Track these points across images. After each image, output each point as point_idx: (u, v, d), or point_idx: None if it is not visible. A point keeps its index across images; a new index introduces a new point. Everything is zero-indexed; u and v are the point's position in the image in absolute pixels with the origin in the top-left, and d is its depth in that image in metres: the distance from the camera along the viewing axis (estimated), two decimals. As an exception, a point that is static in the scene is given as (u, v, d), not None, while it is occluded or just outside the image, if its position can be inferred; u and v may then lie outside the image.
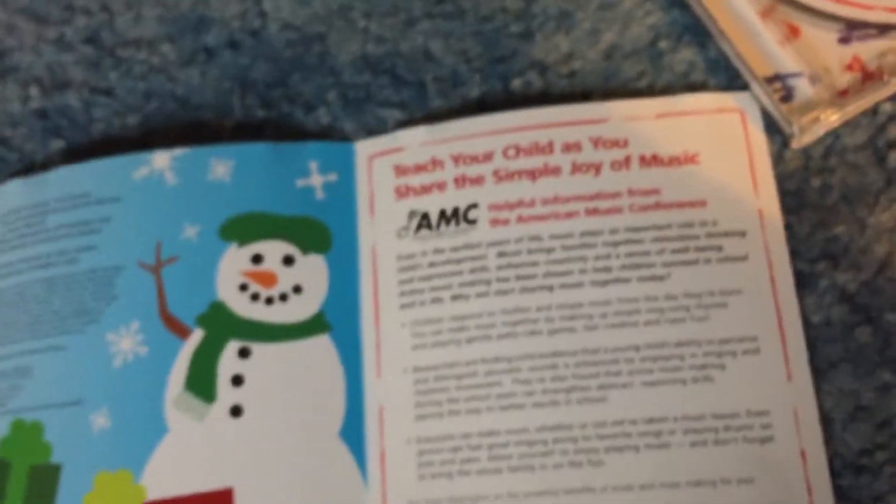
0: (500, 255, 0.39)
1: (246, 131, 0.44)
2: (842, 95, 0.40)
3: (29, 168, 0.45)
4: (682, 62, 0.43)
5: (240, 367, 0.39)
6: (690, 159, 0.40)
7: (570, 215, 0.39)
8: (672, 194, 0.39)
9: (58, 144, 0.45)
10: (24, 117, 0.46)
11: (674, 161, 0.40)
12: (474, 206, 0.40)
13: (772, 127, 0.41)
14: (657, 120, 0.41)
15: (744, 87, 0.41)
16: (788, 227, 0.39)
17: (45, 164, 0.44)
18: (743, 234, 0.39)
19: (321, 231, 0.41)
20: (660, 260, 0.38)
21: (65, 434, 0.38)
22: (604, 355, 0.37)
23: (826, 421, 0.36)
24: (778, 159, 0.40)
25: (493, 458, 0.37)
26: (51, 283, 0.40)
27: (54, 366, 0.39)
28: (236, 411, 0.38)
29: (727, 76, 0.42)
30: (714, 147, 0.40)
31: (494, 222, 0.40)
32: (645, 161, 0.40)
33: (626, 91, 0.42)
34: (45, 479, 0.38)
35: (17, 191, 0.42)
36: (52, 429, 0.38)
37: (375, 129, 0.44)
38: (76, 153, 0.44)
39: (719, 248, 0.38)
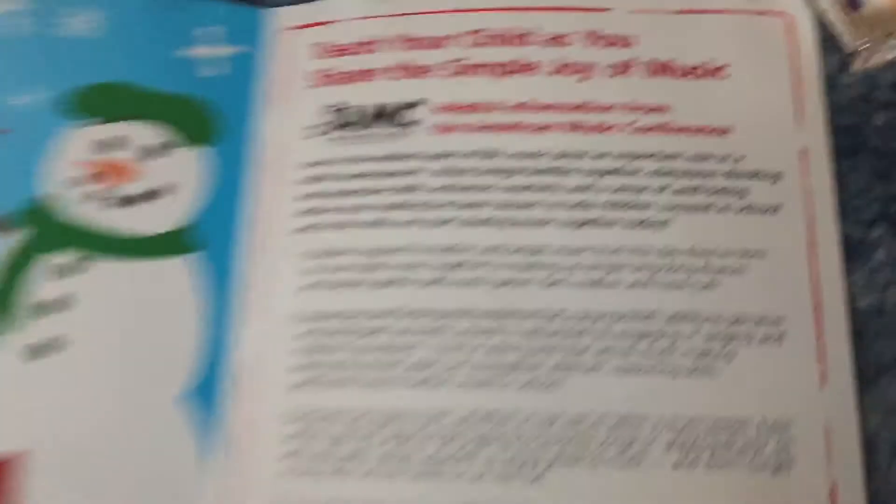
0: (442, 172, 0.30)
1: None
2: (930, 6, 0.30)
3: None
4: (718, -54, 0.32)
5: (56, 289, 0.29)
6: (715, 72, 0.31)
7: (543, 128, 0.30)
8: (686, 115, 0.30)
9: None
10: None
11: (692, 72, 0.31)
12: (415, 104, 0.30)
13: (828, 41, 0.32)
14: (677, 16, 0.32)
15: (795, -14, 0.33)
16: (839, 175, 0.30)
17: None
18: (777, 176, 0.29)
19: (203, 118, 0.31)
20: (659, 200, 0.29)
21: None
22: (566, 323, 0.27)
23: (868, 447, 0.27)
24: (832, 85, 0.31)
25: (385, 458, 0.26)
26: None
27: None
28: (42, 350, 0.28)
29: (775, -30, 0.32)
30: (748, 59, 0.31)
31: (439, 129, 0.30)
32: (654, 68, 0.31)
33: (639, -23, 0.33)
34: None
35: None
36: None
37: (297, -4, 0.33)
38: None
39: (742, 194, 0.29)
